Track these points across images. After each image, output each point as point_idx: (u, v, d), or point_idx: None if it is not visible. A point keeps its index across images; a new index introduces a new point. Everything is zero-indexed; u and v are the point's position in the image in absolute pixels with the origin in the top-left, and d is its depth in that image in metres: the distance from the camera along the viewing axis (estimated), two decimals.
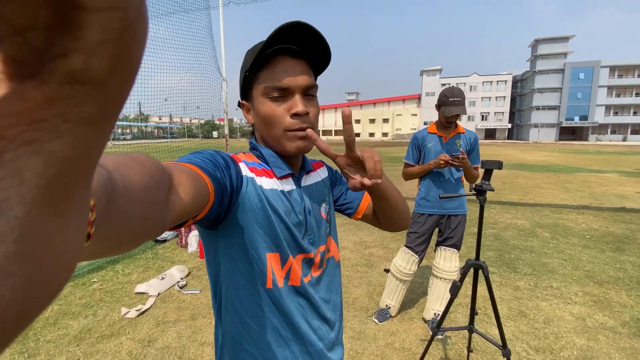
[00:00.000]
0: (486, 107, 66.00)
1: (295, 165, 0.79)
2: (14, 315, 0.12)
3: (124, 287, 3.07)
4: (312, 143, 0.71)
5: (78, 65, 0.12)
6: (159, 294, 2.96)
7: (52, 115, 0.12)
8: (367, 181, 0.67)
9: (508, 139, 66.50)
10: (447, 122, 2.30)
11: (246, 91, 0.74)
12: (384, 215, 0.85)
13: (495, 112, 65.98)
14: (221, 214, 0.62)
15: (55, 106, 0.12)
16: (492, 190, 1.50)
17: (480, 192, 1.52)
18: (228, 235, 0.67)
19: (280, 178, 0.73)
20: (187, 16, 5.34)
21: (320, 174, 0.88)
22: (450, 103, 2.20)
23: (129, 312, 2.63)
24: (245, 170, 0.69)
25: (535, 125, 60.84)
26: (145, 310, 2.69)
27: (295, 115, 0.69)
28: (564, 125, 59.60)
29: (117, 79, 0.13)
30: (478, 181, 1.59)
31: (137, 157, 0.33)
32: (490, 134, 67.47)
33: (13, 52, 0.11)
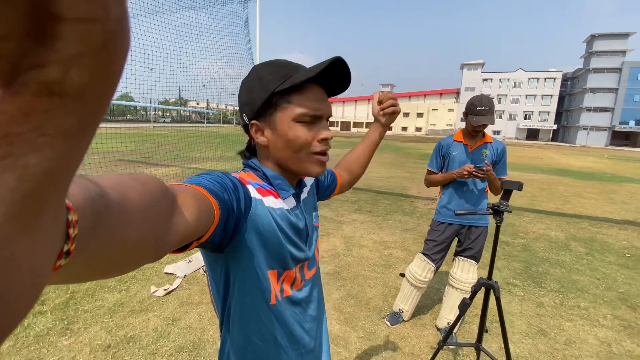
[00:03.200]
0: (530, 105, 62.10)
1: (295, 183, 0.82)
2: None
3: (154, 267, 3.30)
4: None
5: (55, 76, 0.11)
6: (185, 275, 3.15)
7: (28, 129, 0.11)
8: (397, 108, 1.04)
9: (552, 140, 62.37)
10: (474, 131, 2.23)
11: (264, 111, 0.71)
12: (363, 160, 1.13)
13: (540, 112, 61.96)
14: (227, 237, 0.62)
15: (31, 119, 0.11)
16: (510, 211, 1.46)
17: (497, 212, 1.48)
18: (237, 257, 0.68)
19: (285, 198, 0.77)
20: (226, 8, 5.48)
21: (308, 182, 0.92)
22: (478, 112, 2.13)
23: (157, 290, 2.84)
24: (253, 192, 0.70)
25: (584, 128, 56.53)
26: (172, 291, 2.88)
27: (323, 140, 0.73)
28: (617, 129, 54.96)
29: (96, 91, 0.13)
30: (496, 200, 1.55)
31: (139, 177, 0.33)
32: (532, 134, 63.56)
33: None
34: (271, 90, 0.69)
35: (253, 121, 0.74)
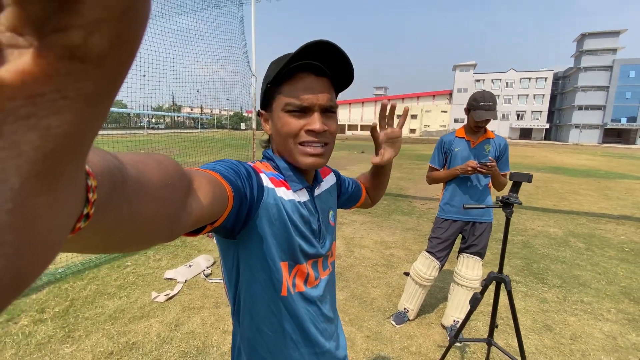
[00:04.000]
0: (522, 105, 62.79)
1: (309, 177, 0.81)
2: (6, 283, 0.13)
3: (154, 272, 3.26)
4: (325, 160, 0.74)
5: (77, 41, 0.12)
6: (186, 280, 3.11)
7: (50, 91, 0.12)
8: (388, 156, 0.94)
9: (545, 139, 63.07)
10: (477, 127, 2.23)
11: (266, 102, 0.75)
12: (378, 187, 1.08)
13: (532, 111, 62.66)
14: (239, 223, 0.63)
15: (54, 81, 0.12)
16: (520, 203, 1.46)
17: (507, 204, 1.48)
18: (247, 244, 0.69)
19: (296, 191, 0.76)
20: (220, 12, 5.48)
21: (329, 182, 0.92)
22: (481, 107, 2.13)
23: (158, 296, 2.80)
24: (266, 181, 0.71)
25: (577, 126, 57.22)
26: (173, 296, 2.84)
27: (310, 131, 0.70)
28: (609, 126, 55.68)
29: (116, 58, 0.13)
30: (505, 193, 1.54)
31: (157, 157, 0.34)
32: (525, 133, 64.21)
33: (12, 22, 0.11)
34: (267, 81, 0.72)
35: (261, 111, 0.79)
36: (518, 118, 63.38)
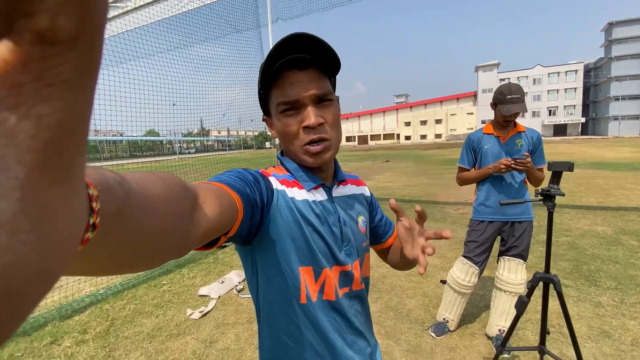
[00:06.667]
0: (554, 100, 59.94)
1: (326, 175, 0.78)
2: (33, 269, 0.13)
3: (189, 290, 3.32)
4: (330, 154, 0.71)
5: (45, 24, 0.12)
6: (219, 297, 3.14)
7: (31, 79, 0.12)
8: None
9: (582, 134, 59.48)
10: (505, 122, 2.13)
11: (265, 107, 0.76)
12: (399, 267, 0.90)
13: (565, 106, 59.61)
14: (253, 230, 0.62)
15: (31, 69, 0.12)
16: (562, 195, 1.35)
17: (548, 197, 1.37)
18: (262, 250, 0.67)
19: (310, 190, 0.74)
20: (239, 36, 5.70)
21: (358, 189, 0.88)
22: (509, 101, 2.03)
23: (193, 313, 2.84)
24: (275, 184, 0.69)
25: (615, 118, 53.74)
26: (208, 312, 2.87)
27: (306, 128, 0.68)
28: None
29: (87, 38, 0.13)
30: (545, 185, 1.44)
31: (159, 174, 0.34)
32: (560, 129, 60.93)
33: None
34: (259, 87, 0.72)
35: (265, 117, 0.78)
36: (550, 114, 60.48)
